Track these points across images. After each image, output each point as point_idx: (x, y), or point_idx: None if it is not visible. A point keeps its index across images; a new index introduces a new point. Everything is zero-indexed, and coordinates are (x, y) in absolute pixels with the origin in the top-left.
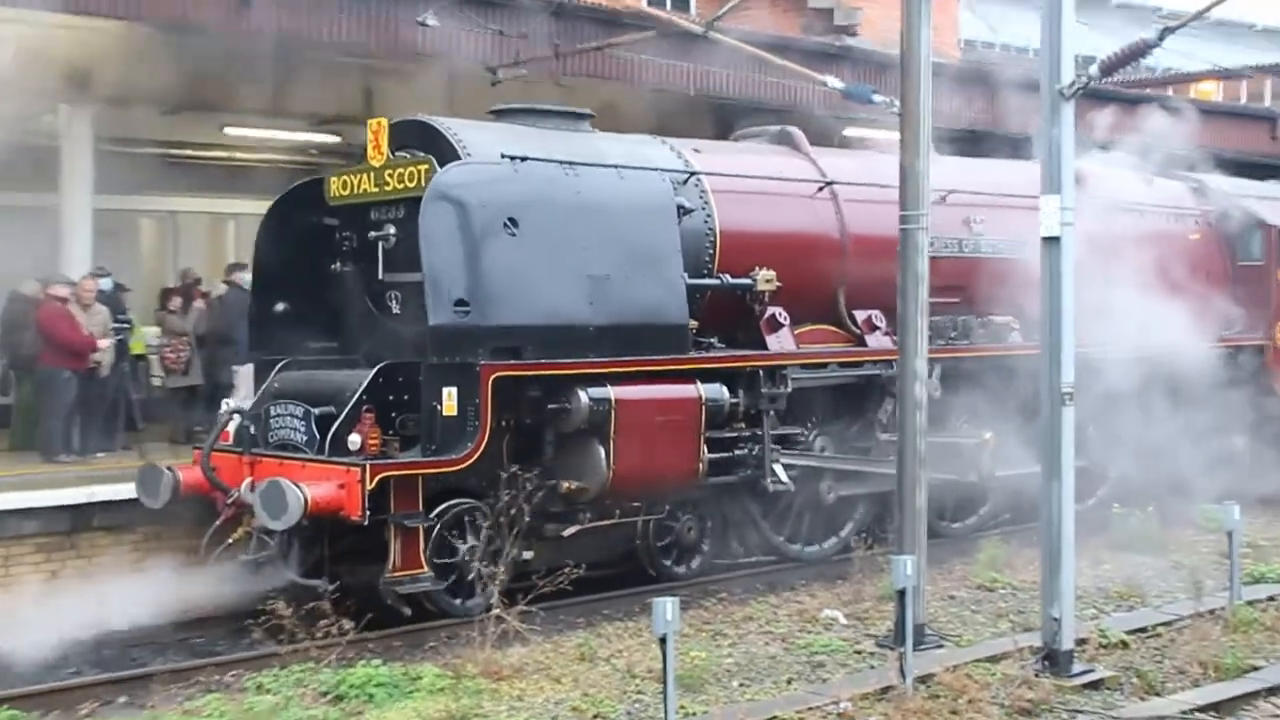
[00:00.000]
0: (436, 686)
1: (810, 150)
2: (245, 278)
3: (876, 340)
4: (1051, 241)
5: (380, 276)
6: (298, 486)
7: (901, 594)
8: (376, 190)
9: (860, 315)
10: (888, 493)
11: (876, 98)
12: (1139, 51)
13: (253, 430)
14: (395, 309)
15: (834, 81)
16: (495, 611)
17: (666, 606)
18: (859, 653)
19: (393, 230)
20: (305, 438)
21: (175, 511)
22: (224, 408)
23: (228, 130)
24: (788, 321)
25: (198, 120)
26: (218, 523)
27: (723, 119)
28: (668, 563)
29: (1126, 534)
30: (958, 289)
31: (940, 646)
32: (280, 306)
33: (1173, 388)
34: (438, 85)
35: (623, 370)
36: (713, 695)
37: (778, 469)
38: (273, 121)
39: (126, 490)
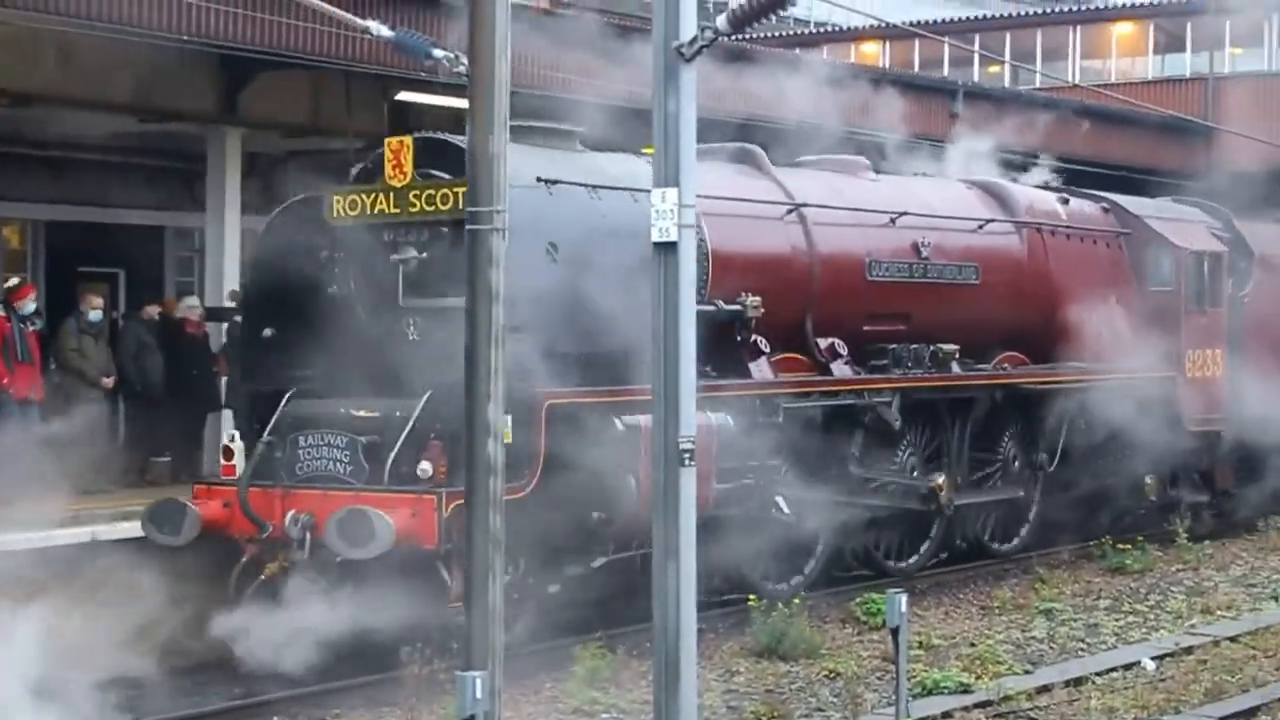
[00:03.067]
0: None
1: (773, 170)
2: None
3: (839, 369)
4: (666, 249)
5: (400, 302)
6: (384, 515)
7: None
8: (398, 211)
9: (823, 343)
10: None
11: (437, 52)
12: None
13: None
14: (413, 335)
15: (379, 29)
16: None
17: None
18: None
19: (414, 253)
20: (351, 468)
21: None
22: (227, 438)
23: None
24: (768, 349)
25: None
26: (244, 559)
27: (234, 78)
28: None
29: (769, 634)
30: (904, 316)
31: None
32: (268, 332)
33: (1080, 421)
34: None
35: (641, 400)
36: None
37: (780, 500)
38: None
39: None
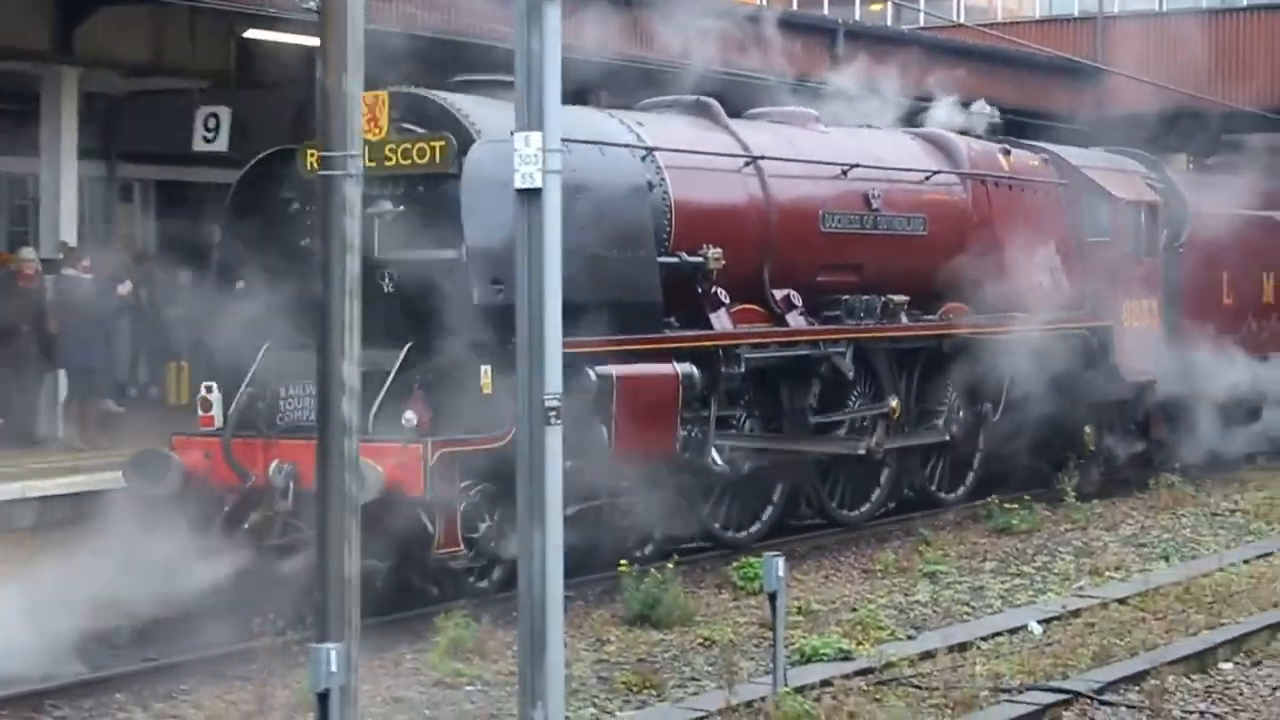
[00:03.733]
0: None
1: (729, 122)
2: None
3: (795, 319)
4: (530, 195)
5: (376, 255)
6: (373, 464)
7: (324, 699)
8: (373, 165)
9: (779, 294)
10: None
11: None
12: None
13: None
14: (387, 288)
15: None
16: None
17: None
18: None
19: (389, 206)
20: None
21: None
22: (204, 391)
23: None
24: (728, 300)
25: None
26: (227, 508)
27: (69, 14)
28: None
29: (641, 601)
30: (855, 267)
31: None
32: (240, 285)
33: (1022, 370)
34: None
35: (614, 350)
36: None
37: (714, 452)
38: None
39: None
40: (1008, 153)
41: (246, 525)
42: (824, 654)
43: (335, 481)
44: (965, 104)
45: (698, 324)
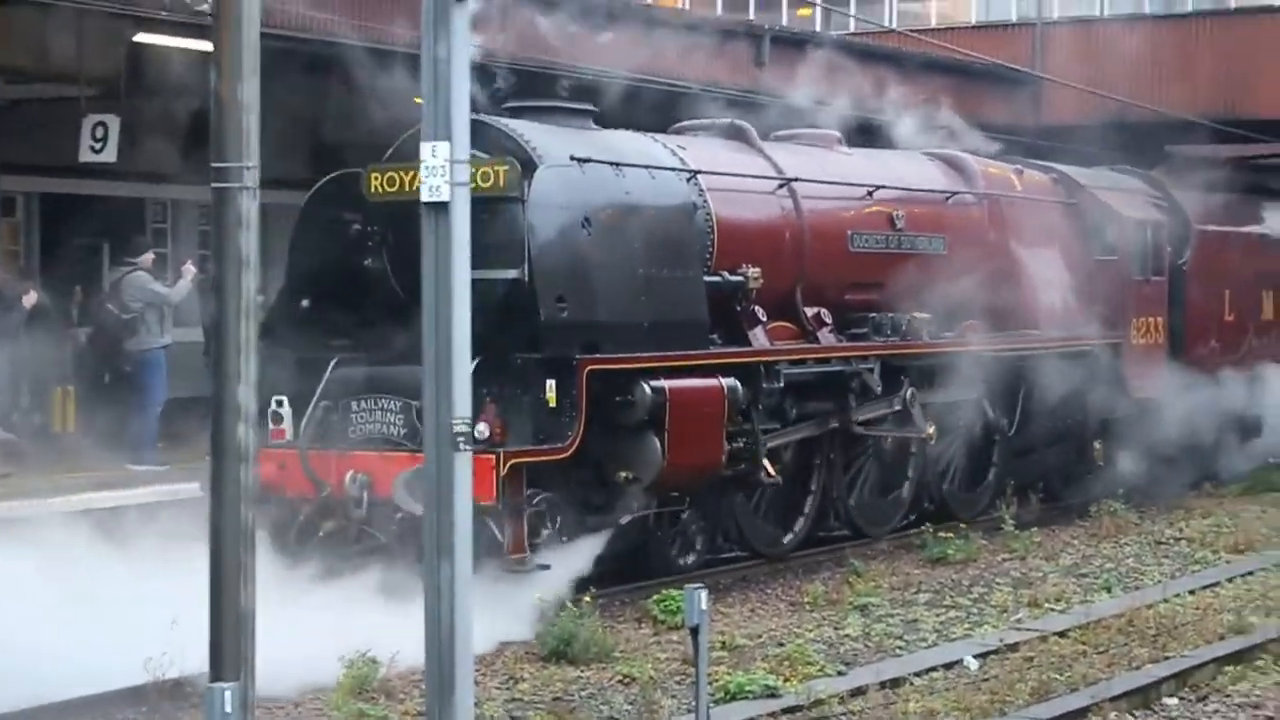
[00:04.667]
0: None
1: (763, 145)
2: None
3: (825, 336)
4: (437, 210)
5: None
6: None
7: None
8: None
9: (810, 311)
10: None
11: None
12: None
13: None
14: None
15: None
16: None
17: None
18: None
19: None
20: (405, 430)
21: None
22: (275, 404)
23: None
24: (764, 318)
25: None
26: (302, 518)
27: None
28: (675, 555)
29: (557, 636)
30: (879, 286)
31: None
32: (305, 303)
33: (1035, 386)
34: None
35: (668, 365)
36: None
37: (766, 463)
38: None
39: None
40: (1020, 173)
41: (321, 534)
42: (749, 691)
43: (229, 512)
44: (931, 117)
45: (737, 340)
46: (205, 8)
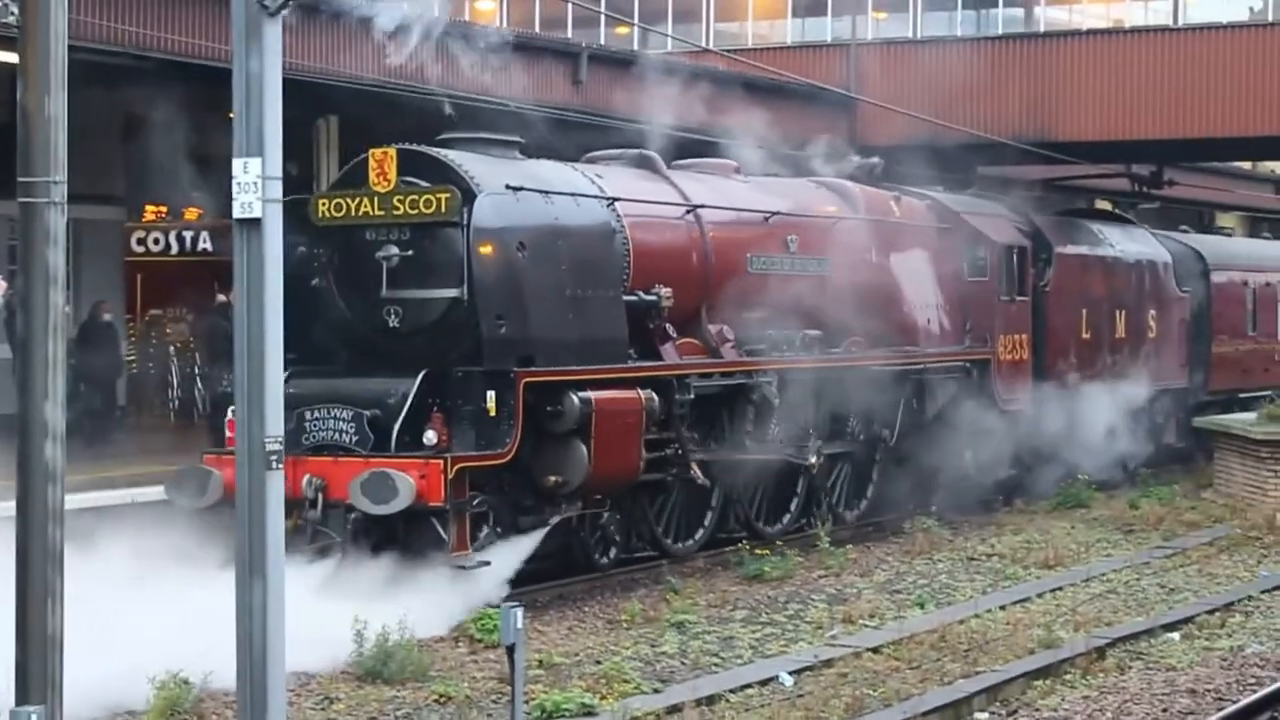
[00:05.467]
0: None
1: (669, 173)
2: None
3: (728, 352)
4: (249, 226)
5: (383, 293)
6: (405, 476)
7: None
8: (382, 214)
9: (714, 329)
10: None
11: None
12: None
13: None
14: (394, 323)
15: None
16: None
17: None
18: None
19: (395, 251)
20: (357, 438)
21: None
22: (231, 414)
23: None
24: (675, 334)
25: None
26: None
27: None
28: (597, 555)
29: (373, 655)
30: (775, 305)
31: None
32: None
33: (913, 398)
34: None
35: (594, 378)
36: None
37: (695, 468)
38: None
39: None
40: (898, 199)
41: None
42: (566, 710)
43: (37, 534)
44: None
45: (650, 356)
46: (12, 19)
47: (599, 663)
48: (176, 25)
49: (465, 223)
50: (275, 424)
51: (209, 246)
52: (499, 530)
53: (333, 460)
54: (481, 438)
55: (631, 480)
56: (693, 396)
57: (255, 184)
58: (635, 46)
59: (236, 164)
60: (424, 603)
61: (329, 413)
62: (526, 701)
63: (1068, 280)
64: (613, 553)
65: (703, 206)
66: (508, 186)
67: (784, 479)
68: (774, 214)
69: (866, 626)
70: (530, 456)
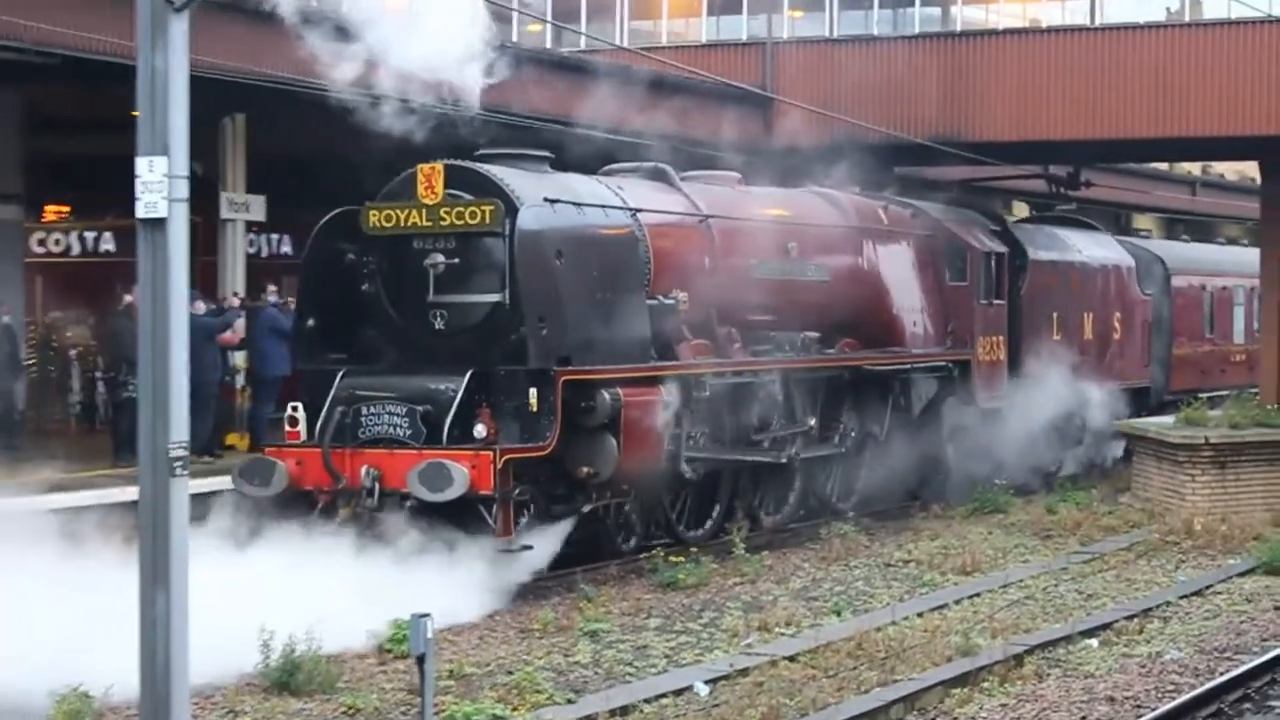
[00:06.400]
0: None
1: (681, 185)
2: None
3: (736, 353)
4: (153, 227)
5: (430, 298)
6: (460, 466)
7: None
8: (430, 224)
9: (722, 331)
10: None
11: None
12: None
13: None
14: (440, 325)
15: None
16: None
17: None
18: None
19: (442, 259)
20: (410, 431)
21: None
22: (291, 410)
23: None
24: (690, 336)
25: None
26: (320, 506)
27: None
28: (621, 543)
29: (280, 667)
30: (777, 309)
31: None
32: (311, 322)
33: (902, 395)
34: None
35: (624, 376)
36: None
37: (684, 464)
38: None
39: None
40: (885, 208)
41: (338, 520)
42: None
43: None
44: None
45: (667, 355)
46: None
47: (511, 673)
48: (80, 21)
49: (508, 233)
50: (180, 429)
51: (112, 248)
52: (537, 519)
53: (388, 452)
54: (524, 431)
55: (655, 472)
56: (708, 394)
57: (160, 183)
58: (548, 44)
59: (141, 163)
60: (469, 585)
61: (384, 408)
62: (437, 713)
63: (1040, 285)
64: (633, 541)
65: (714, 217)
66: (545, 199)
67: (779, 473)
68: (776, 223)
69: (783, 634)
70: (564, 449)
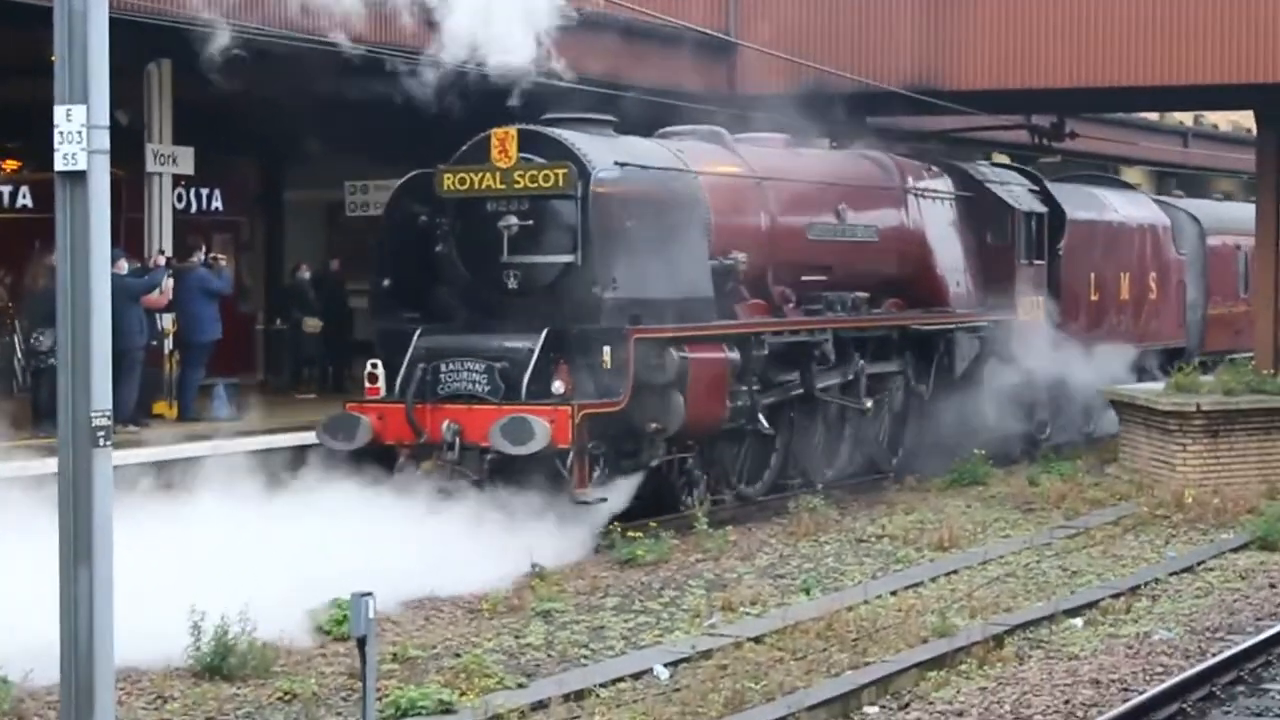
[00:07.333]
0: None
1: (736, 147)
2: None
3: (791, 313)
4: (73, 180)
5: (504, 258)
6: (541, 420)
7: None
8: (503, 187)
9: (777, 290)
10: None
11: None
12: None
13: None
14: (513, 285)
15: None
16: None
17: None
18: None
19: (515, 220)
20: (489, 387)
21: None
22: (370, 367)
23: None
24: (748, 296)
25: None
26: (402, 459)
27: None
28: (684, 497)
29: (211, 650)
30: (828, 269)
31: None
32: (387, 282)
33: (947, 355)
34: None
35: (690, 335)
36: None
37: (761, 417)
38: None
39: None
40: (929, 169)
41: (420, 472)
42: (422, 707)
43: None
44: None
45: (726, 315)
46: None
47: (458, 655)
48: None
49: (580, 195)
50: (103, 397)
51: (29, 203)
52: (608, 472)
53: (467, 408)
54: (598, 388)
55: (718, 427)
56: (766, 352)
57: (79, 133)
58: None
59: (59, 111)
60: (555, 534)
61: (462, 365)
62: (379, 698)
63: (1079, 245)
64: (695, 493)
65: (768, 179)
66: (615, 163)
67: (835, 429)
68: (828, 183)
69: (748, 615)
70: (632, 405)
